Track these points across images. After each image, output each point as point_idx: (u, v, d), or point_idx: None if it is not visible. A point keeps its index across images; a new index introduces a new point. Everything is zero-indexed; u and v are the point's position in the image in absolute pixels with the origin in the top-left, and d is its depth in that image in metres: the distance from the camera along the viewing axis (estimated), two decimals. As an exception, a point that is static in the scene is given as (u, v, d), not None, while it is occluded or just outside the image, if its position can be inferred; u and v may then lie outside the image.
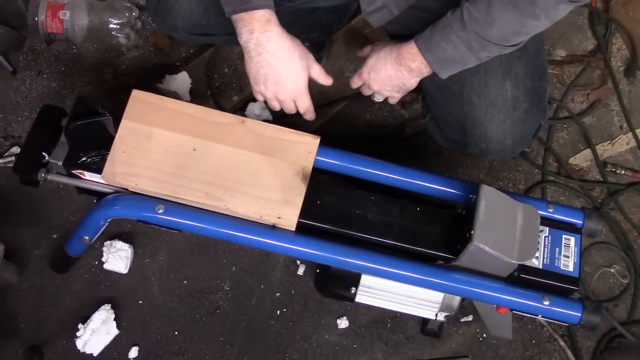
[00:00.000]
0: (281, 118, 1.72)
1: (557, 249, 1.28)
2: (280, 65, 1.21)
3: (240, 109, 1.77)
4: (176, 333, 1.58)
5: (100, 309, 1.54)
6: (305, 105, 1.29)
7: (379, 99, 1.37)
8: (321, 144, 1.29)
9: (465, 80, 1.27)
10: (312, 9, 1.42)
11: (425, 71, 1.24)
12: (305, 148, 1.28)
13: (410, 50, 1.23)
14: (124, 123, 1.26)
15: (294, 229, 1.23)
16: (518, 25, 1.14)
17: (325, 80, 1.30)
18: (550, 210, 1.32)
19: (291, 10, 1.34)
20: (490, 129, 1.30)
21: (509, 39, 1.17)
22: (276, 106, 1.29)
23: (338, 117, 1.78)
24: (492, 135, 1.30)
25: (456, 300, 1.36)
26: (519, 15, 1.12)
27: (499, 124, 1.29)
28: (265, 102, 1.30)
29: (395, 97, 1.35)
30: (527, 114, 1.30)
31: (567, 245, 1.29)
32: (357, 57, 1.83)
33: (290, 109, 1.29)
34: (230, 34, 1.28)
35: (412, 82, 1.29)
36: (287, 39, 1.21)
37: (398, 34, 1.38)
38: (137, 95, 1.28)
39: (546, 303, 1.24)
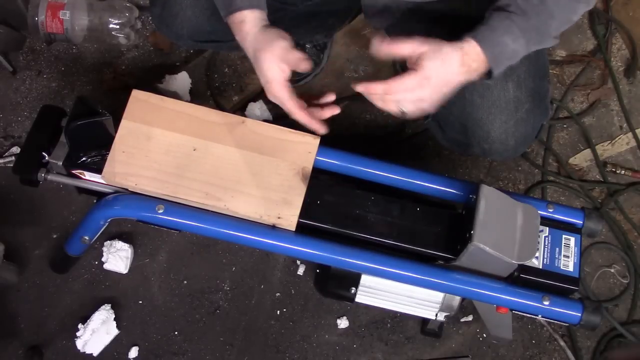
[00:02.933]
0: (281, 118, 1.72)
1: (557, 249, 1.28)
2: (254, 64, 1.17)
3: (240, 109, 1.77)
4: (176, 333, 1.58)
5: (100, 309, 1.54)
6: (280, 102, 1.16)
7: (407, 111, 1.15)
8: (321, 144, 1.29)
9: None
10: (316, 12, 1.42)
11: (481, 71, 1.13)
12: (305, 148, 1.28)
13: (474, 48, 1.10)
14: (124, 123, 1.26)
15: (294, 229, 1.23)
16: (571, 11, 1.12)
17: (299, 64, 1.14)
18: (550, 210, 1.32)
19: (295, 14, 1.34)
20: (492, 130, 1.29)
21: (559, 29, 1.13)
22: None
23: (338, 117, 1.76)
24: (495, 136, 1.30)
25: (456, 300, 1.36)
26: (574, 1, 1.10)
27: (501, 124, 1.29)
28: (276, 103, 1.21)
29: (424, 109, 1.15)
30: (530, 114, 1.30)
31: (567, 245, 1.29)
32: (357, 57, 1.84)
33: (288, 111, 1.19)
34: (234, 40, 1.28)
35: (457, 87, 1.14)
36: (253, 35, 1.15)
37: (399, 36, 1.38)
38: (137, 95, 1.28)
39: (546, 303, 1.24)
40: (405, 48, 1.11)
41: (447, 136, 1.40)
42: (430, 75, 1.10)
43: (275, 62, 1.14)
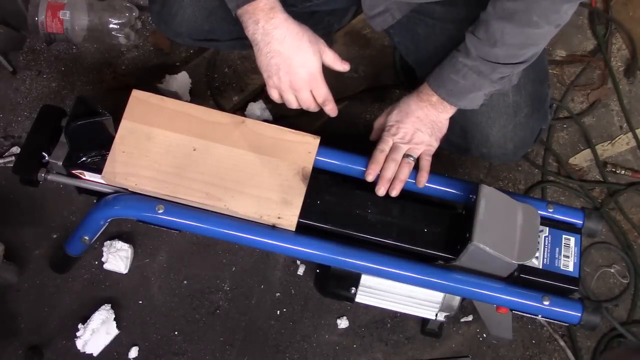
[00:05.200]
0: (281, 118, 1.72)
1: (557, 249, 1.28)
2: (291, 52, 1.15)
3: (240, 109, 1.77)
4: (176, 333, 1.58)
5: (100, 309, 1.54)
6: (323, 94, 1.21)
7: (414, 155, 1.27)
8: (321, 144, 1.29)
9: None
10: (313, 12, 1.42)
11: (448, 105, 1.24)
12: (305, 148, 1.28)
13: (425, 88, 1.24)
14: (124, 123, 1.26)
15: (294, 229, 1.23)
16: (520, 37, 1.12)
17: (341, 65, 1.22)
18: (550, 210, 1.32)
19: (293, 15, 1.34)
20: (491, 134, 1.30)
21: (516, 55, 1.15)
22: (292, 101, 1.21)
23: (338, 117, 1.76)
24: (494, 140, 1.30)
25: (456, 300, 1.36)
26: (518, 27, 1.10)
27: (500, 129, 1.29)
28: (276, 103, 1.25)
29: (432, 147, 1.28)
30: (529, 119, 1.30)
31: (567, 245, 1.29)
32: (357, 57, 1.84)
33: (307, 100, 1.21)
34: (234, 40, 1.27)
35: (442, 119, 1.26)
36: (295, 24, 1.16)
37: (400, 38, 1.37)
38: (137, 95, 1.28)
39: (546, 303, 1.24)
40: (380, 118, 1.31)
41: (447, 139, 1.41)
42: (398, 120, 1.26)
43: (319, 57, 1.19)
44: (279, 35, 1.14)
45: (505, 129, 1.29)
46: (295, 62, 1.16)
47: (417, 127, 1.26)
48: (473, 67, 1.17)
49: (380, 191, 1.25)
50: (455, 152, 1.45)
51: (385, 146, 1.26)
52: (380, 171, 1.25)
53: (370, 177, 1.26)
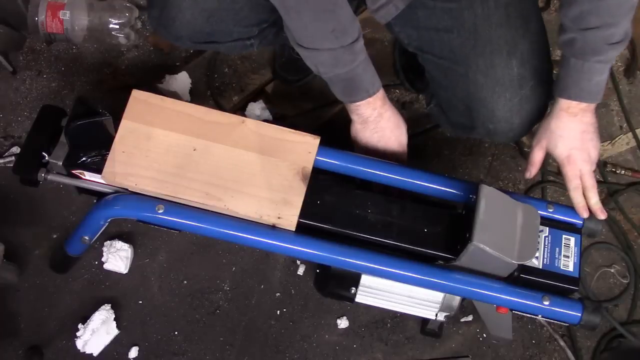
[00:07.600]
0: (281, 118, 1.72)
1: (557, 249, 1.28)
2: (392, 129, 1.33)
3: (240, 109, 1.77)
4: (176, 333, 1.58)
5: (100, 309, 1.54)
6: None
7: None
8: (321, 144, 1.29)
9: (470, 61, 1.25)
10: None
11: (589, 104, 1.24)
12: (305, 148, 1.28)
13: (570, 105, 1.22)
14: (124, 123, 1.26)
15: (294, 229, 1.23)
16: (629, 5, 1.12)
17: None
18: (550, 210, 1.32)
19: None
20: (497, 109, 1.28)
21: (627, 26, 1.15)
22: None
23: (338, 117, 1.77)
24: (500, 114, 1.28)
25: (456, 300, 1.36)
26: None
27: (506, 102, 1.27)
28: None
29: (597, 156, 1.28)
30: (534, 92, 1.28)
31: (567, 245, 1.29)
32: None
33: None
34: (234, 41, 1.26)
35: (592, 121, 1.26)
36: (395, 110, 1.33)
37: (400, 27, 1.37)
38: (137, 95, 1.28)
39: (546, 303, 1.24)
40: (537, 159, 1.31)
41: (451, 120, 1.39)
42: (569, 154, 1.25)
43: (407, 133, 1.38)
44: (387, 116, 1.31)
45: (512, 102, 1.27)
46: (393, 136, 1.34)
47: (587, 146, 1.25)
48: (605, 60, 1.16)
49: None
50: (461, 133, 1.43)
51: (578, 182, 1.28)
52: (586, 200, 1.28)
53: (586, 214, 1.29)
